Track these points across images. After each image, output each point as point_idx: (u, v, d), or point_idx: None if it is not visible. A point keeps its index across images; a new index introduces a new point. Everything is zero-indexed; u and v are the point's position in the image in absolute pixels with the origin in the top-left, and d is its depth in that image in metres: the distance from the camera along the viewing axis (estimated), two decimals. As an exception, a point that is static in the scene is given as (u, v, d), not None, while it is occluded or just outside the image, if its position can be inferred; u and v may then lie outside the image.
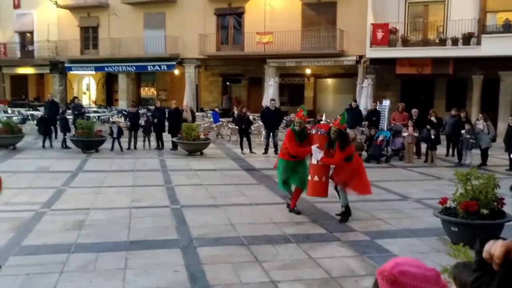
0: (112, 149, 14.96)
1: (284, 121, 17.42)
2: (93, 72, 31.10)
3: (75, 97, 18.66)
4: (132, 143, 15.65)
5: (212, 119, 20.95)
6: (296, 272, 5.31)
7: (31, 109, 24.95)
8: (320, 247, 6.20)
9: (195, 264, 5.46)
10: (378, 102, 18.62)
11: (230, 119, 19.82)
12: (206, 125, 19.50)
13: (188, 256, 5.75)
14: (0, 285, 4.72)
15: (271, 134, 15.08)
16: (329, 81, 26.87)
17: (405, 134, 14.19)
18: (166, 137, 16.01)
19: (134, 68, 28.47)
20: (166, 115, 16.24)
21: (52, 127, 15.99)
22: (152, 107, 20.48)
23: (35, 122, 19.71)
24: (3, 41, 32.24)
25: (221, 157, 14.76)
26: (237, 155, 14.83)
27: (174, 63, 27.20)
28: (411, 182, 11.18)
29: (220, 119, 20.50)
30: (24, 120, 19.83)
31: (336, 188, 7.60)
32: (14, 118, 18.86)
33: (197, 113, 24.01)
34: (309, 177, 7.48)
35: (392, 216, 7.83)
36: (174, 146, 15.52)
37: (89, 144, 14.74)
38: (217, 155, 15.01)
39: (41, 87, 34.04)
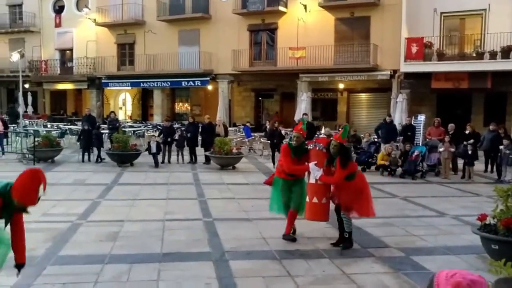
0: (156, 165, 15.00)
1: (316, 135, 17.32)
2: (129, 88, 31.87)
3: (112, 112, 19.11)
4: (166, 157, 15.86)
5: (244, 134, 21.04)
6: (329, 287, 5.22)
7: (69, 124, 25.67)
8: (354, 263, 6.08)
9: (227, 277, 5.44)
10: (413, 117, 18.32)
11: (262, 133, 19.87)
12: (238, 139, 19.59)
13: (220, 269, 5.74)
14: (37, 293, 4.82)
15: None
16: (363, 95, 26.65)
17: (441, 149, 13.87)
18: (199, 151, 16.15)
19: (169, 83, 29.01)
20: (199, 130, 16.42)
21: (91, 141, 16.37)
22: (186, 122, 20.76)
23: (74, 136, 20.29)
24: (45, 58, 33.46)
25: (253, 171, 14.78)
26: (269, 169, 14.80)
27: (208, 78, 27.57)
28: (448, 198, 10.88)
29: (252, 134, 20.57)
30: (62, 134, 20.41)
31: (336, 210, 6.71)
32: (53, 132, 19.44)
33: (229, 128, 24.21)
34: (307, 199, 6.70)
35: (428, 233, 7.62)
36: (207, 160, 15.64)
37: (124, 157, 15.02)
38: (249, 169, 15.03)
39: (79, 102, 35.08)
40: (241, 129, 22.81)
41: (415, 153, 14.01)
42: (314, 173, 6.51)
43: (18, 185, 3.79)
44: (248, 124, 22.77)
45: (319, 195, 6.60)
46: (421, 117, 18.83)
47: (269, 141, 16.22)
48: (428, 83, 21.25)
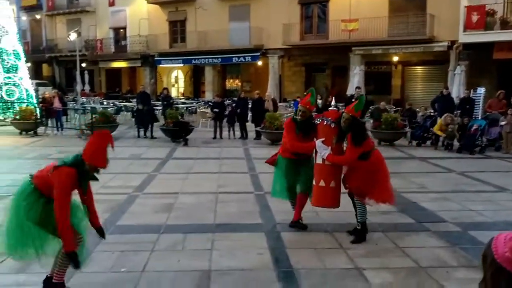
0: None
1: (369, 109, 16.97)
2: (181, 65, 32.31)
3: (165, 88, 19.45)
4: (218, 133, 16.04)
5: (294, 109, 20.89)
6: (382, 260, 5.15)
7: (124, 101, 26.44)
8: (408, 237, 5.95)
9: (279, 248, 5.49)
10: (472, 90, 17.51)
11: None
12: (289, 114, 19.47)
13: (272, 240, 5.79)
14: (98, 259, 5.04)
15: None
16: (418, 68, 25.73)
17: (503, 123, 13.22)
18: (250, 127, 16.21)
19: (220, 60, 29.14)
20: (249, 105, 16.44)
21: (146, 118, 16.80)
22: (236, 98, 20.87)
23: (129, 113, 20.91)
24: (100, 37, 34.42)
25: (304, 146, 14.69)
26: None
27: (258, 54, 27.47)
28: (509, 174, 10.41)
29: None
30: (118, 111, 21.07)
31: (350, 194, 5.91)
32: (109, 109, 20.09)
33: (280, 104, 24.11)
34: (314, 181, 5.84)
35: (487, 208, 7.33)
36: (258, 135, 15.69)
37: (178, 133, 15.31)
38: (300, 144, 14.94)
39: (133, 80, 35.99)
40: (291, 104, 22.68)
41: (474, 127, 13.44)
42: (321, 151, 5.64)
43: (87, 149, 4.00)
44: (298, 99, 22.56)
45: (327, 178, 5.72)
46: (481, 90, 17.98)
47: (320, 116, 16.00)
48: (489, 54, 20.19)
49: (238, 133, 16.15)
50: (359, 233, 5.75)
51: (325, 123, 5.73)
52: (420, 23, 22.64)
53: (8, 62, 19.02)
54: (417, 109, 16.55)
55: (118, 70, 36.12)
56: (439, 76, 23.77)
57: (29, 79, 20.32)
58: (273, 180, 6.43)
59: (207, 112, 19.33)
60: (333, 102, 6.22)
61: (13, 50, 19.32)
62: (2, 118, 18.78)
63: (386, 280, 4.63)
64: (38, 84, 28.32)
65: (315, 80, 29.26)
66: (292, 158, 6.04)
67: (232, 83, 33.06)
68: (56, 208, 3.78)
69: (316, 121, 5.83)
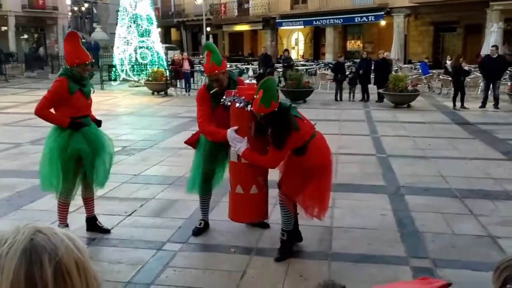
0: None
1: (508, 71, 15.44)
2: (302, 27, 32.06)
3: (286, 50, 19.53)
4: (338, 95, 15.80)
5: (420, 70, 19.75)
6: (520, 230, 4.76)
7: (246, 64, 27.08)
8: (551, 208, 5.42)
9: (403, 211, 5.33)
10: None
11: (442, 70, 18.40)
12: (414, 76, 18.48)
13: (396, 202, 5.64)
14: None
15: (491, 85, 13.54)
16: None
17: None
18: (372, 89, 15.71)
19: (341, 20, 28.37)
20: (372, 66, 15.87)
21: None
22: (357, 60, 20.26)
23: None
24: (224, 2, 35.35)
25: (430, 110, 13.90)
26: (448, 108, 13.76)
27: (382, 13, 26.21)
28: None
29: (430, 71, 19.17)
30: (240, 73, 21.68)
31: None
32: (233, 71, 20.72)
33: (404, 65, 22.96)
34: (229, 187, 4.36)
35: None
36: (380, 98, 15.17)
37: (298, 94, 15.39)
38: (426, 108, 14.17)
39: (254, 43, 36.62)
40: (417, 66, 21.46)
41: None
42: (234, 145, 4.04)
43: (65, 55, 4.56)
44: (426, 60, 21.26)
45: (245, 182, 4.19)
46: None
47: (449, 79, 14.96)
48: None
49: (358, 95, 15.75)
50: (284, 245, 4.22)
51: (237, 104, 4.02)
52: None
53: (142, 27, 20.38)
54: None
55: (241, 33, 36.95)
56: None
57: (160, 43, 21.63)
58: (191, 168, 4.70)
59: (327, 74, 19.09)
60: (250, 72, 4.65)
61: (146, 15, 20.62)
62: (137, 80, 20.36)
63: (523, 251, 4.29)
64: (167, 48, 30.09)
65: (444, 40, 27.25)
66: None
67: (353, 45, 32.10)
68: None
69: (225, 102, 4.16)
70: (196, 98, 4.47)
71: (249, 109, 3.94)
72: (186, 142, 4.75)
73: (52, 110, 4.37)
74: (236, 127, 4.04)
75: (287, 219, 4.18)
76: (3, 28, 31.64)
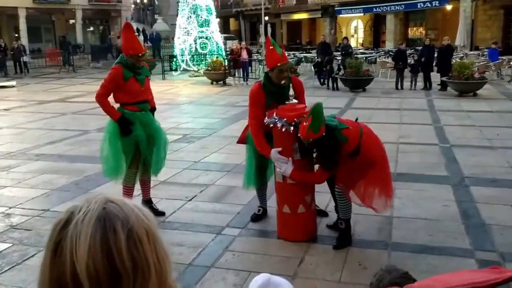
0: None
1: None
2: (361, 14, 31.35)
3: (345, 38, 19.18)
4: (399, 83, 15.35)
5: (488, 57, 18.77)
6: None
7: (304, 52, 26.86)
8: None
9: (468, 202, 5.14)
10: None
11: (512, 57, 17.42)
12: (481, 63, 17.61)
13: (459, 193, 5.44)
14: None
15: None
16: None
17: None
18: (434, 76, 15.14)
19: (403, 6, 27.47)
20: (436, 54, 15.28)
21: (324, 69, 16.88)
22: (419, 48, 19.56)
23: (309, 64, 21.27)
24: (282, -10, 35.17)
25: (498, 98, 13.23)
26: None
27: (448, -3, 25.14)
28: None
29: (500, 57, 18.19)
30: (298, 61, 21.54)
31: (329, 181, 4.33)
32: (290, 60, 20.63)
33: (471, 52, 21.96)
34: (276, 205, 4.41)
35: None
36: (443, 86, 14.59)
37: (357, 83, 15.11)
38: (494, 96, 13.49)
39: (312, 32, 36.24)
40: (485, 53, 20.41)
41: None
42: (279, 167, 4.09)
43: (122, 45, 4.78)
44: (494, 46, 20.18)
45: (292, 201, 4.21)
46: None
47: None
48: None
49: (420, 84, 15.24)
50: (343, 234, 4.22)
51: (279, 126, 4.00)
52: None
53: (201, 17, 20.69)
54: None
55: (299, 22, 36.66)
56: None
57: (219, 33, 21.88)
58: (247, 164, 4.82)
59: (387, 62, 18.58)
60: (291, 92, 4.22)
61: (206, 6, 20.91)
62: (196, 69, 20.73)
63: None
64: (226, 38, 30.38)
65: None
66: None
67: (416, 31, 31.00)
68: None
69: (268, 123, 4.13)
70: (249, 94, 4.39)
71: (291, 130, 3.96)
72: (238, 143, 4.88)
73: (111, 96, 4.63)
74: (279, 149, 4.08)
75: (345, 207, 4.17)
76: (71, 21, 33.18)
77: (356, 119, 4.22)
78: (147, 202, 4.93)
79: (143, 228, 0.78)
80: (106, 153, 4.66)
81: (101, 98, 4.56)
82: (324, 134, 3.77)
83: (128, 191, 4.71)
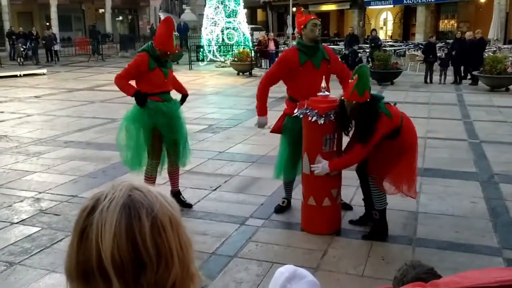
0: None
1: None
2: (391, 6, 30.83)
3: (373, 30, 18.93)
4: (428, 77, 15.07)
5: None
6: None
7: (332, 44, 26.60)
8: None
9: (497, 199, 5.03)
10: None
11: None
12: (516, 58, 17.12)
13: (488, 190, 5.33)
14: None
15: None
16: None
17: None
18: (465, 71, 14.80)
19: (435, -2, 26.88)
20: (467, 47, 14.91)
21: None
22: (450, 41, 19.14)
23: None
24: (311, -19, 34.78)
25: (532, 94, 12.88)
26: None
27: (481, -11, 24.45)
28: None
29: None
30: (325, 53, 21.32)
31: (359, 171, 4.33)
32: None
33: (504, 46, 21.38)
34: (301, 196, 4.40)
35: None
36: (474, 80, 14.26)
37: (385, 76, 14.89)
38: (528, 92, 13.14)
39: (341, 23, 35.83)
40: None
41: None
42: (316, 168, 4.07)
43: (156, 35, 4.55)
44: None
45: (318, 194, 4.20)
46: None
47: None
48: None
49: (450, 78, 14.92)
50: (378, 225, 4.17)
51: (309, 118, 4.01)
52: None
53: (229, 8, 20.66)
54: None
55: (327, 13, 36.25)
56: None
57: (246, 24, 21.83)
58: (279, 152, 4.74)
59: (417, 55, 18.24)
60: (323, 84, 4.17)
61: (233, -4, 20.88)
62: (223, 60, 20.76)
63: None
64: (253, 29, 30.27)
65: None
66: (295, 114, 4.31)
67: (447, 24, 30.31)
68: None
69: (298, 114, 4.16)
70: (280, 55, 4.56)
71: (321, 122, 3.95)
72: (272, 131, 4.80)
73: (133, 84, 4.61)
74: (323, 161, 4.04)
75: (379, 198, 4.14)
76: (101, 11, 33.61)
77: (395, 104, 4.15)
78: (176, 194, 4.92)
79: (167, 215, 0.79)
80: (126, 142, 4.60)
81: (119, 80, 4.56)
82: (368, 100, 3.74)
83: (148, 183, 4.70)
